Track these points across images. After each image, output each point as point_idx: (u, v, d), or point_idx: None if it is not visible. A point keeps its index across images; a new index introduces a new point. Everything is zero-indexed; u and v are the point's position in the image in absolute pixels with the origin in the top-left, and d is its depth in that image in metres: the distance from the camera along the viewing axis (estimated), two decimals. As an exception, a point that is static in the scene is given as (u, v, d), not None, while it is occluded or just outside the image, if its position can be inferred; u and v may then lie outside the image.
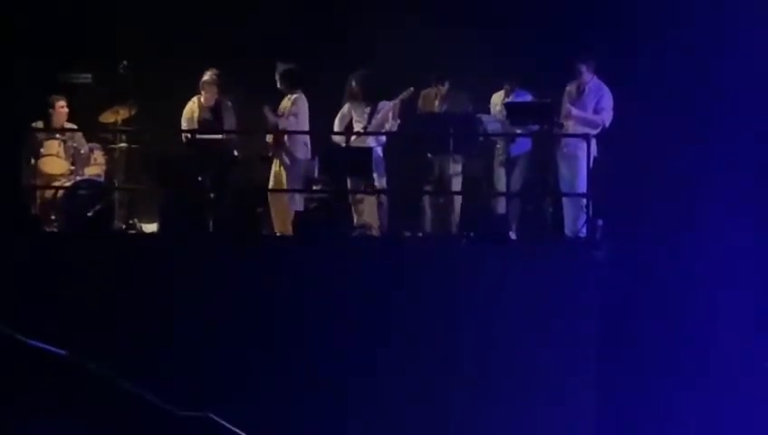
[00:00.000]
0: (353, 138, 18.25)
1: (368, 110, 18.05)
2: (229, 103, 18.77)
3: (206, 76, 18.57)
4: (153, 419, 15.94)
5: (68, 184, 18.78)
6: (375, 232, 18.09)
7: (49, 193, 18.62)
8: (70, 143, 18.84)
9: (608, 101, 17.56)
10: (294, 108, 17.97)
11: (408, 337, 16.42)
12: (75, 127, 18.99)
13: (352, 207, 18.26)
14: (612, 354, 17.00)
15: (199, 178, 18.25)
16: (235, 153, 18.94)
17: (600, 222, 17.37)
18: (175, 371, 16.03)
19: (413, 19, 17.91)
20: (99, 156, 18.80)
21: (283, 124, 18.22)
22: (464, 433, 16.34)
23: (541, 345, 16.27)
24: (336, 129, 18.44)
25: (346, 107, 18.23)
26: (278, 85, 18.11)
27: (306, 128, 18.31)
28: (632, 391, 17.81)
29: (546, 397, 16.30)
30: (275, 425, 15.92)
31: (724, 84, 17.91)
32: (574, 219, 17.70)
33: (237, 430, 15.78)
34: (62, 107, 18.60)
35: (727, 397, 18.06)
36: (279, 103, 18.35)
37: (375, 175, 18.06)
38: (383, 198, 18.28)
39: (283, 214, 18.03)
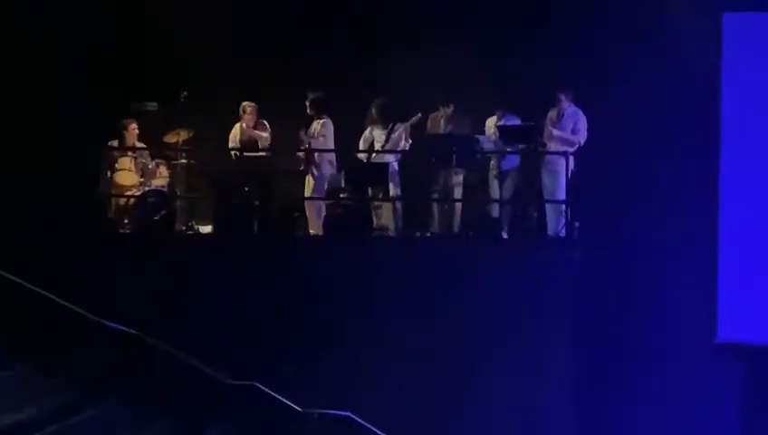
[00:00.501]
0: (373, 155, 18.36)
1: (385, 131, 18.16)
2: (267, 125, 18.73)
3: (247, 105, 18.64)
4: (208, 386, 16.40)
5: (138, 193, 18.76)
6: (391, 233, 18.31)
7: (122, 201, 18.87)
8: (140, 159, 18.98)
9: (583, 123, 17.72)
10: (323, 130, 18.13)
11: (416, 320, 16.52)
12: (144, 146, 19.07)
13: (372, 212, 18.38)
14: (586, 334, 17.09)
15: (246, 189, 18.45)
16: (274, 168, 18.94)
17: (577, 224, 17.70)
18: (225, 347, 16.45)
19: (422, 56, 17.88)
20: (163, 170, 19.01)
21: (313, 144, 18.30)
22: (458, 409, 16.34)
23: (526, 323, 16.44)
24: (360, 147, 18.44)
25: (368, 130, 18.24)
26: (308, 111, 18.13)
27: (332, 147, 18.35)
28: (607, 363, 17.54)
29: (529, 365, 16.39)
30: (307, 391, 16.10)
31: (677, 109, 17.85)
32: (555, 222, 17.87)
33: (277, 395, 16.17)
34: (133, 129, 18.78)
35: (696, 385, 17.92)
36: (309, 126, 18.32)
37: (391, 185, 18.27)
38: (398, 204, 18.46)
39: (315, 218, 18.32)
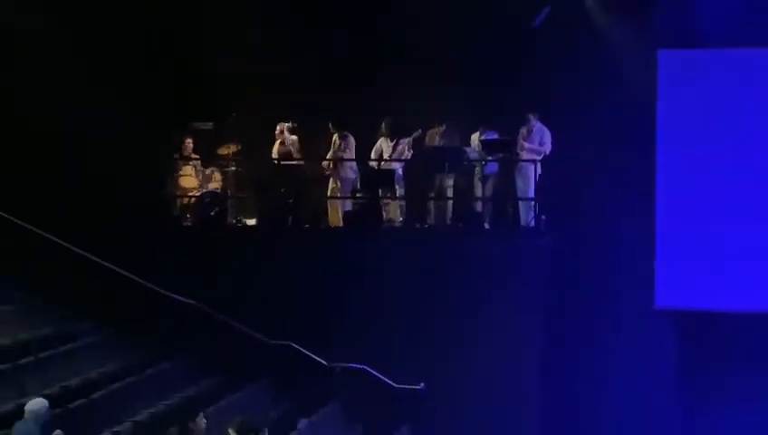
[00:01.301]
0: (383, 163, 18.26)
1: (392, 144, 18.09)
2: (296, 139, 18.57)
3: (284, 125, 18.51)
4: (253, 345, 16.32)
5: (197, 194, 18.90)
6: (397, 224, 18.34)
7: (185, 200, 18.92)
8: (198, 167, 19.04)
9: (548, 137, 17.66)
10: (344, 143, 18.06)
11: (417, 292, 16.49)
12: (198, 157, 19.06)
13: (382, 208, 18.33)
14: (550, 301, 17.09)
15: (282, 190, 18.48)
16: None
17: (543, 217, 17.68)
18: (266, 314, 16.51)
19: (421, 86, 17.62)
20: (217, 175, 19.03)
21: (337, 154, 18.25)
22: (450, 361, 16.33)
23: (503, 293, 16.32)
24: (372, 157, 18.36)
25: (379, 142, 18.19)
26: (331, 129, 18.08)
27: (353, 157, 18.29)
28: (565, 325, 17.65)
29: (505, 325, 16.38)
30: (331, 349, 16.36)
31: (622, 125, 17.86)
32: (526, 215, 17.83)
33: (307, 352, 16.25)
34: (188, 143, 18.81)
35: (638, 344, 17.97)
36: (330, 141, 18.29)
37: (397, 187, 18.26)
38: (402, 202, 18.49)
39: (337, 213, 18.26)
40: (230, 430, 10.19)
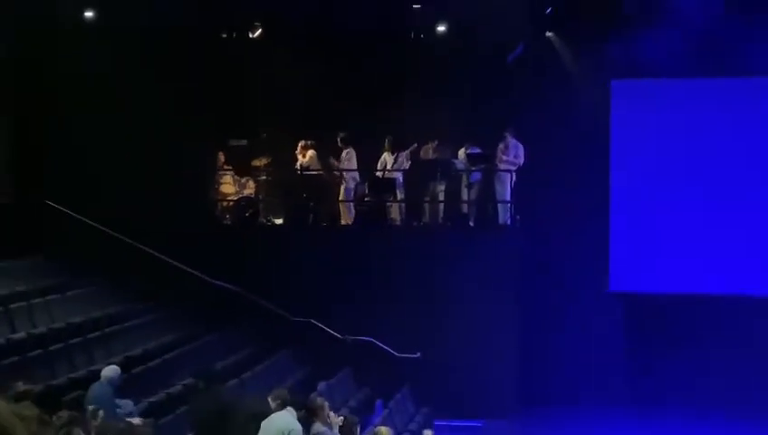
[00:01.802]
0: (386, 172, 18.20)
1: (393, 157, 18.03)
2: (315, 154, 18.24)
3: (305, 142, 18.17)
4: (278, 322, 16.49)
5: (235, 198, 18.84)
6: (398, 223, 18.33)
7: (224, 204, 18.97)
8: (235, 177, 18.91)
9: (522, 151, 17.62)
10: (347, 157, 17.94)
11: (415, 277, 16.59)
12: (230, 168, 18.87)
13: (386, 210, 18.36)
14: (522, 285, 17.13)
15: (304, 195, 18.48)
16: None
17: (518, 216, 17.85)
18: (291, 296, 16.59)
19: (417, 109, 17.48)
20: (251, 183, 18.97)
21: (343, 167, 18.17)
22: (442, 335, 16.44)
23: (484, 278, 16.48)
24: (378, 167, 18.22)
25: (383, 156, 18.10)
26: (339, 144, 17.97)
27: (354, 168, 18.12)
28: (534, 304, 17.55)
29: (485, 303, 16.49)
30: (344, 324, 16.58)
31: (581, 141, 17.77)
32: (504, 215, 17.84)
33: (329, 329, 16.50)
34: (221, 156, 18.71)
35: (593, 323, 17.90)
36: (339, 154, 18.16)
37: (398, 192, 18.24)
38: (402, 204, 18.46)
39: (347, 214, 18.29)
40: (270, 400, 10.10)
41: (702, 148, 18.15)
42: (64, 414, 8.73)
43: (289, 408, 9.95)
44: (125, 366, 11.88)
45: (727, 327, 17.34)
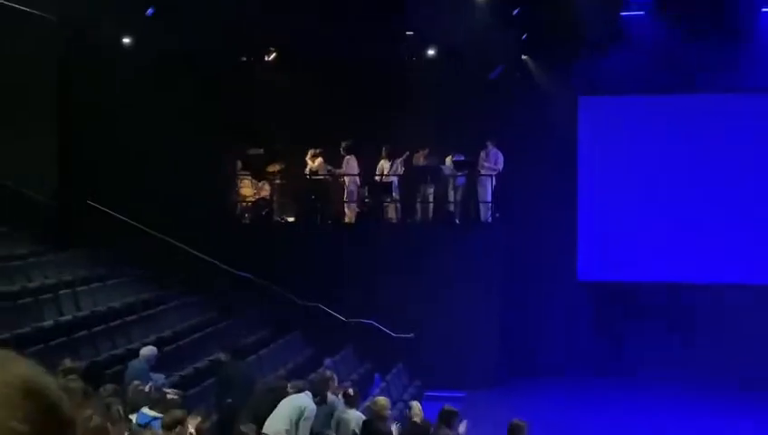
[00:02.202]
0: (383, 177, 18.16)
1: (390, 163, 17.99)
2: (323, 161, 18.22)
3: (313, 150, 18.17)
4: (288, 306, 16.57)
5: (253, 200, 18.76)
6: (394, 221, 18.26)
7: (244, 204, 18.90)
8: (253, 181, 18.77)
9: (501, 159, 17.54)
10: (350, 161, 17.86)
11: (408, 266, 16.63)
12: (247, 173, 18.82)
13: (383, 209, 18.34)
14: (501, 274, 17.19)
15: (312, 197, 18.42)
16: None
17: (497, 214, 17.76)
18: (300, 283, 16.67)
19: (411, 122, 17.40)
20: (267, 186, 18.79)
21: (347, 171, 18.03)
22: (434, 318, 16.50)
23: (469, 268, 16.72)
24: (376, 172, 18.13)
25: (381, 162, 18.03)
26: (342, 153, 17.82)
27: (355, 173, 18.06)
28: (511, 291, 17.48)
29: (470, 290, 16.61)
30: (348, 308, 16.62)
31: (553, 149, 17.83)
32: (485, 214, 17.81)
33: (334, 313, 16.56)
34: (239, 164, 18.73)
35: (565, 309, 17.91)
36: (341, 161, 18.04)
37: (393, 194, 18.17)
38: (397, 205, 18.34)
39: (351, 213, 18.28)
40: (289, 387, 10.24)
41: (657, 154, 18.14)
42: (108, 387, 8.95)
43: (306, 392, 10.13)
44: (157, 345, 11.94)
45: (678, 309, 17.48)
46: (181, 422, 7.92)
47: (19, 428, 0.72)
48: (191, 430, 7.95)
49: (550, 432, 11.98)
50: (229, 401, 11.02)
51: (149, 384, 9.75)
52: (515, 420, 9.51)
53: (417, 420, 10.80)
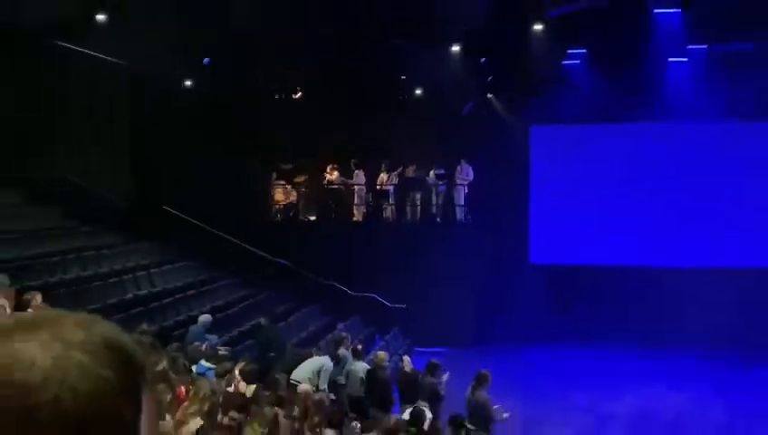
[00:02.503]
0: (383, 186, 18.09)
1: (387, 175, 17.91)
2: (338, 173, 18.19)
3: (331, 165, 18.10)
4: (310, 284, 16.23)
5: (284, 203, 18.63)
6: (391, 220, 18.18)
7: (277, 206, 18.76)
8: (284, 188, 18.54)
9: (471, 172, 17.50)
10: (359, 174, 17.93)
11: (402, 255, 16.54)
12: (282, 183, 18.66)
13: (382, 211, 18.25)
14: (472, 262, 16.93)
15: (330, 201, 18.40)
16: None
17: (469, 216, 17.79)
18: (320, 266, 16.41)
19: (404, 144, 17.47)
20: (294, 193, 18.66)
21: (356, 182, 18.10)
22: (426, 301, 16.20)
23: (448, 259, 16.49)
24: (377, 183, 17.98)
25: (381, 175, 17.95)
26: (352, 167, 17.88)
27: (363, 183, 18.01)
28: (478, 274, 16.99)
29: (446, 277, 16.39)
30: (357, 286, 16.48)
31: (510, 166, 17.61)
32: (460, 215, 17.78)
33: (345, 288, 16.34)
34: (274, 175, 18.55)
35: (518, 290, 17.02)
36: (352, 174, 18.03)
37: (390, 199, 18.16)
38: (393, 207, 18.26)
39: (359, 213, 18.20)
40: (313, 351, 10.25)
41: (591, 166, 17.97)
42: (174, 345, 8.99)
43: (325, 356, 10.20)
44: (211, 314, 11.92)
45: (607, 285, 16.99)
46: (230, 371, 8.01)
47: (104, 374, 0.72)
48: (236, 372, 7.99)
49: (508, 381, 11.83)
50: (272, 354, 11.00)
51: (206, 343, 9.76)
52: (482, 371, 9.50)
53: (407, 369, 10.88)
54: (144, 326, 8.93)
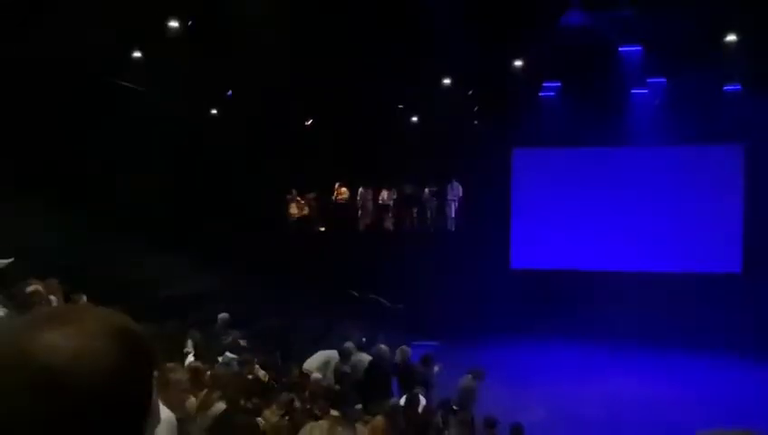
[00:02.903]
0: (383, 201, 18.17)
1: (388, 192, 18.08)
2: (347, 190, 18.36)
3: (338, 183, 18.30)
4: (319, 285, 15.33)
5: (298, 215, 18.39)
6: (391, 229, 18.27)
7: (292, 219, 18.62)
8: (299, 203, 18.35)
9: (460, 189, 17.63)
10: (364, 191, 18.06)
11: (400, 261, 16.26)
12: (295, 198, 18.38)
13: (383, 223, 18.25)
14: (459, 264, 16.78)
15: (337, 214, 18.35)
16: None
17: (459, 227, 17.83)
18: (328, 270, 16.12)
19: (400, 164, 17.54)
20: (306, 207, 18.56)
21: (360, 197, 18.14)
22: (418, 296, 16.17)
23: (436, 260, 16.58)
24: (379, 198, 18.08)
25: (383, 192, 18.01)
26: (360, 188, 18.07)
27: (368, 199, 18.13)
28: (463, 275, 16.49)
29: (433, 273, 16.21)
30: (363, 289, 16.56)
31: (490, 182, 17.66)
32: (450, 225, 17.86)
33: (351, 291, 16.08)
34: (289, 197, 18.50)
35: (499, 292, 16.72)
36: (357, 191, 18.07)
37: (390, 213, 18.21)
38: (392, 220, 18.30)
39: (363, 225, 18.29)
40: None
41: (567, 186, 18.02)
42: (197, 336, 8.92)
43: (333, 349, 10.21)
44: (235, 312, 11.60)
45: (575, 286, 17.03)
46: (250, 362, 8.05)
47: (119, 361, 0.75)
48: (257, 366, 8.06)
49: (492, 371, 11.71)
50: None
51: (230, 337, 9.78)
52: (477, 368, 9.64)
53: (404, 361, 10.83)
54: (173, 322, 8.94)
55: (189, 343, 7.93)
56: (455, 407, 8.42)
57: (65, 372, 0.72)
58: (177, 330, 8.28)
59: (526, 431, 7.89)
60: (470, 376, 9.30)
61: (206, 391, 5.26)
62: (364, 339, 11.57)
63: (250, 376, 7.48)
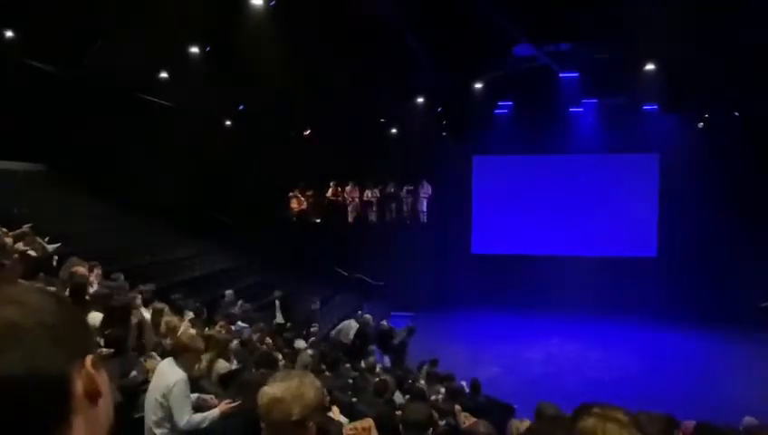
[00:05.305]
0: (368, 198, 17.65)
1: (372, 190, 17.60)
2: (339, 188, 17.81)
3: (333, 183, 17.72)
4: (315, 268, 15.23)
5: (298, 209, 18.11)
6: (374, 222, 17.67)
7: (293, 213, 18.18)
8: (298, 199, 18.01)
9: (430, 188, 17.24)
10: (352, 189, 17.47)
11: (383, 246, 16.27)
12: (295, 195, 17.94)
13: (368, 216, 17.74)
14: (431, 250, 16.70)
15: (330, 208, 17.85)
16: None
17: (429, 219, 17.39)
18: (323, 255, 16.03)
19: (383, 167, 17.27)
20: (305, 203, 18.10)
21: (350, 194, 17.65)
22: (407, 281, 16.05)
23: (411, 247, 16.27)
24: (364, 196, 17.52)
25: (367, 191, 17.59)
26: (348, 185, 17.45)
27: (357, 196, 17.55)
28: (433, 262, 16.55)
29: (408, 259, 16.06)
30: (351, 269, 16.35)
31: (454, 185, 17.53)
32: (422, 219, 17.41)
33: (341, 271, 15.68)
34: (292, 194, 18.04)
35: (464, 275, 16.59)
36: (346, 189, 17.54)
37: (374, 208, 17.68)
38: (376, 214, 17.77)
39: (351, 217, 17.65)
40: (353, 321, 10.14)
41: (519, 187, 17.87)
42: (197, 305, 8.59)
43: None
44: (242, 290, 11.67)
45: (531, 269, 16.82)
46: (261, 330, 7.97)
47: (41, 342, 0.64)
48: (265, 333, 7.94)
49: (455, 336, 11.78)
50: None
51: (238, 307, 9.67)
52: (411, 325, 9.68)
53: (384, 327, 10.87)
54: (178, 296, 8.37)
55: (189, 313, 7.76)
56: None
57: None
58: (191, 306, 8.02)
59: (483, 384, 7.90)
60: (404, 332, 9.29)
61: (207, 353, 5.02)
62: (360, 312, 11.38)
63: (261, 344, 7.23)
